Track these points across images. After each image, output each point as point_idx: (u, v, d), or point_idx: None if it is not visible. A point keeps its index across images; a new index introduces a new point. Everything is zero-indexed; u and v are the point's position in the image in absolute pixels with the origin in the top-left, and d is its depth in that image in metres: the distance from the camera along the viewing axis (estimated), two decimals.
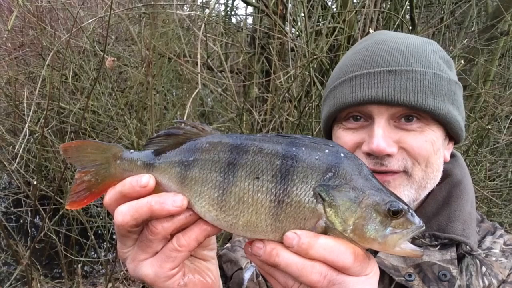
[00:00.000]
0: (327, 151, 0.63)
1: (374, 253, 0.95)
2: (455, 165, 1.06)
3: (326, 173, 0.61)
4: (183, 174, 0.66)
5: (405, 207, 0.61)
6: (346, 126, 0.98)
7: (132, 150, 0.72)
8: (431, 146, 0.92)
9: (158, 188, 0.67)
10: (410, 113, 0.91)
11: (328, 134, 1.05)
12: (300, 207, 0.61)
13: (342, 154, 0.63)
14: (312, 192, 0.61)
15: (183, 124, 0.70)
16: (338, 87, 0.99)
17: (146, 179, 0.64)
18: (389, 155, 0.90)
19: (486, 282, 0.95)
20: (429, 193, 1.02)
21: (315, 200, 0.61)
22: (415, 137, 0.91)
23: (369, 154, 0.91)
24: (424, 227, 0.62)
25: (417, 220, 0.61)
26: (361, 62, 0.96)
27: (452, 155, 1.08)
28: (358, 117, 0.96)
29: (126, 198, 0.64)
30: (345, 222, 0.60)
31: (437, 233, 0.95)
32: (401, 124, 0.92)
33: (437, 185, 1.02)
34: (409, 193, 0.93)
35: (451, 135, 0.98)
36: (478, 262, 0.97)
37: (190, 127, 0.69)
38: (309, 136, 0.67)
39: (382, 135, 0.89)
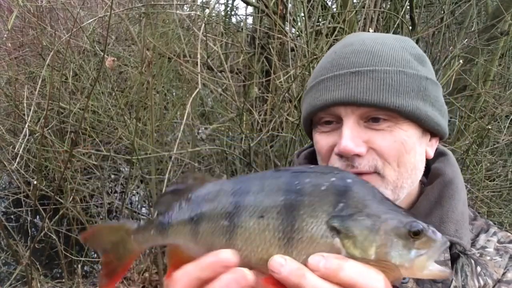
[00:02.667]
0: (333, 179, 0.60)
1: None
2: (446, 164, 1.05)
3: (337, 204, 0.59)
4: (195, 230, 0.66)
5: (425, 225, 0.59)
6: (321, 130, 0.98)
7: (141, 222, 0.73)
8: (401, 145, 0.91)
9: (177, 251, 0.68)
10: (377, 113, 0.91)
11: (310, 137, 1.07)
12: (314, 243, 0.58)
13: (349, 180, 0.61)
14: (325, 226, 0.58)
15: (185, 178, 0.71)
16: (309, 92, 1.01)
17: (228, 257, 0.60)
18: (358, 155, 0.90)
19: (482, 282, 0.95)
20: (421, 193, 1.02)
21: (330, 235, 0.58)
22: (384, 137, 0.91)
23: (341, 156, 0.91)
24: (448, 243, 0.60)
25: (439, 236, 0.59)
26: (329, 65, 0.97)
27: (443, 154, 1.08)
28: (330, 120, 0.96)
29: (204, 282, 0.61)
30: (366, 252, 0.57)
31: None
32: (370, 124, 0.92)
33: (429, 185, 1.02)
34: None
35: (431, 131, 0.98)
36: (473, 262, 0.97)
37: (192, 180, 0.70)
38: (311, 166, 0.66)
39: (350, 135, 0.89)
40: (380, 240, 0.57)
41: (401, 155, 0.91)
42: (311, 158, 1.10)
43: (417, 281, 0.92)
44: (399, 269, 0.57)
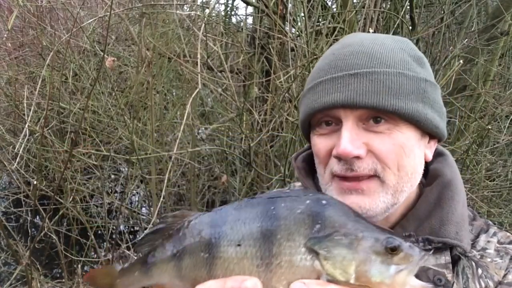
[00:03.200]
0: (308, 201, 0.61)
1: None
2: (445, 164, 1.04)
3: (314, 225, 0.58)
4: (179, 266, 0.66)
5: (402, 240, 0.59)
6: (319, 132, 0.97)
7: (126, 264, 0.74)
8: (400, 149, 0.90)
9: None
10: (377, 114, 0.90)
11: (308, 139, 1.06)
12: (293, 267, 0.58)
13: (324, 202, 0.61)
14: (303, 249, 0.58)
15: (164, 217, 0.71)
16: (306, 93, 1.00)
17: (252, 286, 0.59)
18: (357, 158, 0.89)
19: (483, 285, 0.94)
20: (420, 195, 1.01)
21: (309, 257, 0.58)
22: (383, 140, 0.90)
23: (340, 159, 0.90)
24: (426, 256, 0.60)
25: (416, 250, 0.59)
26: (327, 67, 0.96)
27: (441, 154, 1.07)
28: (330, 122, 0.95)
29: None
30: (346, 271, 0.57)
31: (431, 237, 0.93)
32: (369, 126, 0.91)
33: (428, 186, 1.01)
34: (385, 199, 0.91)
35: (429, 133, 0.97)
36: (473, 264, 0.96)
37: (172, 218, 0.70)
38: (287, 190, 0.66)
39: (349, 137, 0.89)
40: (359, 258, 0.57)
41: (401, 159, 0.90)
42: (309, 160, 1.09)
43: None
44: (380, 286, 0.57)
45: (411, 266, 0.58)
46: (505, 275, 0.95)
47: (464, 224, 0.97)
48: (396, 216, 0.99)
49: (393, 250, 0.58)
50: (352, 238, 0.58)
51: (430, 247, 0.93)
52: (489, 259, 0.97)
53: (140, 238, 0.75)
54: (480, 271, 0.95)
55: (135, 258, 0.73)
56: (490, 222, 1.07)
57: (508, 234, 1.04)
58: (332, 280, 0.57)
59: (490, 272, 0.95)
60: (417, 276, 0.60)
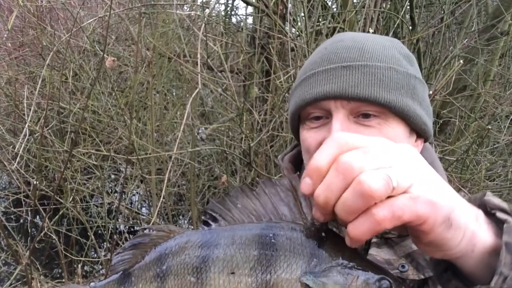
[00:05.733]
0: (307, 232, 0.59)
1: (366, 250, 0.95)
2: (423, 151, 1.04)
3: (312, 259, 0.57)
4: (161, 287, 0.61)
5: (394, 282, 0.59)
6: (309, 126, 0.97)
7: (96, 283, 0.67)
8: None
9: None
10: (367, 109, 0.91)
11: (296, 136, 1.05)
12: None
13: (323, 234, 0.59)
14: (299, 284, 0.56)
15: (148, 230, 0.66)
16: (298, 86, 1.01)
17: None
18: None
19: None
20: None
21: None
22: (373, 134, 0.90)
23: None
24: None
25: None
26: (320, 60, 0.97)
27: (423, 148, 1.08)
28: (320, 116, 0.96)
29: None
30: None
31: None
32: (359, 120, 0.92)
33: None
34: None
35: (417, 131, 0.97)
36: None
37: (156, 232, 0.65)
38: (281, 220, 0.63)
39: (339, 129, 0.89)
40: None
41: None
42: (296, 161, 1.09)
43: (416, 266, 0.91)
44: None
45: None
46: None
47: None
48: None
49: None
50: (347, 276, 0.57)
51: None
52: None
53: (117, 251, 0.66)
54: None
55: (108, 275, 0.65)
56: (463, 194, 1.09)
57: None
58: None
59: None
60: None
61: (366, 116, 0.91)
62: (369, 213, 0.52)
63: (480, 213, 0.62)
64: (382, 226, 0.52)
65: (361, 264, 0.59)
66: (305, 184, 0.55)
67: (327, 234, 0.60)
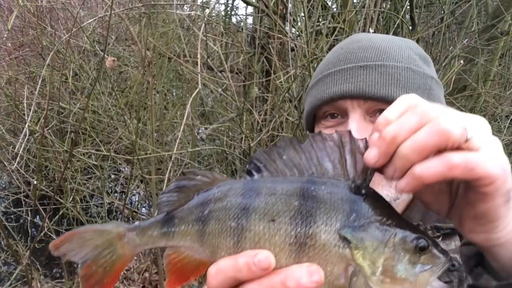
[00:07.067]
0: (348, 189, 0.60)
1: None
2: None
3: (351, 214, 0.58)
4: (202, 231, 0.62)
5: (431, 242, 0.59)
6: (324, 125, 0.98)
7: (137, 222, 0.67)
8: None
9: (177, 252, 0.64)
10: (384, 107, 0.91)
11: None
12: (326, 251, 0.57)
13: (364, 191, 0.60)
14: (337, 236, 0.57)
15: (193, 173, 0.66)
16: (314, 85, 1.00)
17: (267, 261, 0.55)
18: None
19: None
20: None
21: (342, 244, 0.57)
22: None
23: None
24: (450, 261, 0.60)
25: (444, 254, 0.59)
26: (336, 60, 0.97)
27: None
28: (335, 115, 0.96)
29: (240, 281, 0.57)
30: (374, 264, 0.57)
31: (438, 224, 0.95)
32: (375, 118, 0.91)
33: None
34: (388, 192, 0.92)
35: None
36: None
37: (201, 177, 0.66)
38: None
39: (356, 129, 0.89)
40: (389, 253, 0.57)
41: None
42: None
43: None
44: (403, 283, 0.57)
45: (435, 268, 0.58)
46: None
47: None
48: (400, 209, 1.00)
49: (421, 250, 0.58)
50: (384, 232, 0.58)
51: (438, 234, 0.95)
52: None
53: (163, 191, 0.66)
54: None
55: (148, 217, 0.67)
56: None
57: None
58: (355, 271, 0.57)
59: None
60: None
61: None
62: (443, 156, 0.51)
63: None
64: (452, 173, 0.51)
65: (400, 222, 0.59)
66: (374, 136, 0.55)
67: (368, 192, 0.60)
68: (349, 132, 0.60)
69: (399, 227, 0.59)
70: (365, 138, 0.59)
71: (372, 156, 0.56)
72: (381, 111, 0.89)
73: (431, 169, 0.51)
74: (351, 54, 0.95)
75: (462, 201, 0.60)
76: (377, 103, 0.91)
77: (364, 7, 3.81)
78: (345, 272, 0.58)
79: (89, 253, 0.66)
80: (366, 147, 0.59)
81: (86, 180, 4.91)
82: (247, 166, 0.64)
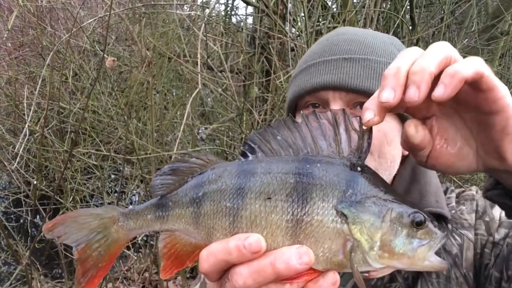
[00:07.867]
0: (343, 166, 0.60)
1: None
2: None
3: (347, 190, 0.58)
4: (197, 212, 0.62)
5: (427, 216, 0.60)
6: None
7: (131, 206, 0.67)
8: (383, 136, 0.92)
9: (172, 236, 0.64)
10: (365, 100, 0.92)
11: None
12: (323, 227, 0.57)
13: (359, 168, 0.60)
14: (334, 211, 0.57)
15: (187, 156, 0.66)
16: (298, 75, 1.01)
17: (257, 244, 0.55)
18: None
19: (461, 237, 0.98)
20: (395, 175, 1.03)
21: (339, 220, 0.57)
22: None
23: None
24: (447, 236, 0.61)
25: (440, 229, 0.60)
26: (321, 51, 0.98)
27: None
28: (317, 105, 0.97)
29: (231, 264, 0.58)
30: (372, 239, 0.57)
31: (433, 209, 0.97)
32: (356, 111, 0.93)
33: (400, 165, 1.04)
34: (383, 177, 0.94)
35: None
36: (449, 226, 1.00)
37: (195, 159, 0.65)
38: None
39: None
40: (386, 227, 0.58)
41: (383, 146, 0.92)
42: None
43: None
44: (402, 258, 0.58)
45: (432, 243, 0.59)
46: (481, 216, 0.99)
47: (440, 193, 1.01)
48: None
49: (418, 225, 0.58)
50: (381, 207, 0.58)
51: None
52: (453, 211, 1.02)
53: (156, 174, 0.66)
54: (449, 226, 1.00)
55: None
56: (449, 185, 1.12)
57: (462, 188, 1.10)
58: (354, 247, 0.57)
59: (461, 221, 0.99)
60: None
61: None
62: (453, 69, 0.53)
63: None
64: (467, 76, 0.52)
65: (396, 198, 0.60)
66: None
67: (363, 169, 0.61)
68: (343, 110, 0.61)
69: (396, 202, 0.59)
70: (359, 117, 0.60)
71: (387, 94, 0.56)
72: (361, 104, 0.90)
73: (463, 64, 0.53)
74: (336, 46, 0.96)
75: (482, 135, 0.60)
76: (358, 96, 0.92)
77: (364, 7, 3.81)
78: (343, 247, 0.58)
79: (84, 236, 0.65)
80: (361, 125, 0.59)
81: (86, 180, 4.91)
82: (241, 148, 0.64)
